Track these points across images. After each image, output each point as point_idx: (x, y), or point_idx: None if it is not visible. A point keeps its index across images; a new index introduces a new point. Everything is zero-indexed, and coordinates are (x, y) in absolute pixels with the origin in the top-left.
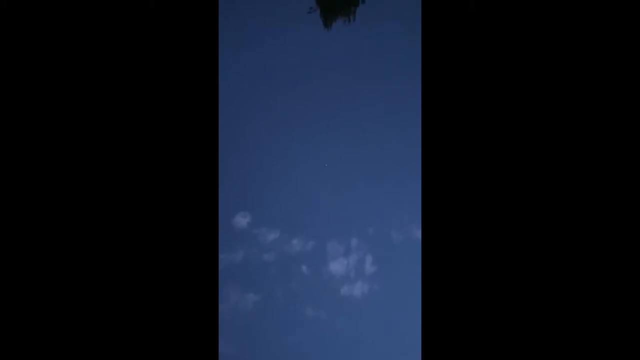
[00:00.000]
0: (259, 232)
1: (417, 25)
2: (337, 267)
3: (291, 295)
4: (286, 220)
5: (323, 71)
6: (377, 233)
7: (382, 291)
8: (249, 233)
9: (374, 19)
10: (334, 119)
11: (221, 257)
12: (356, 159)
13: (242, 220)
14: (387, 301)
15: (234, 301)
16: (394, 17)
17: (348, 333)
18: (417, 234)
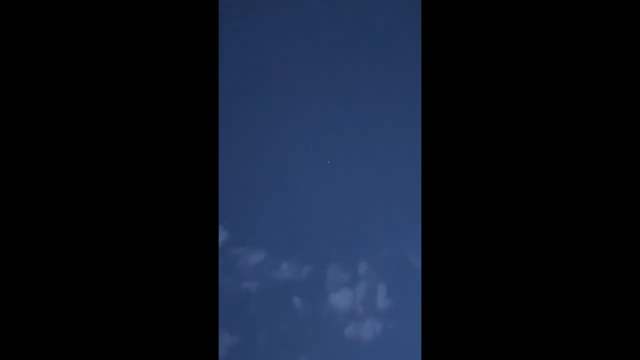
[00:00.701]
0: (238, 254)
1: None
2: (340, 300)
3: (279, 338)
4: (273, 238)
5: (324, 67)
6: (392, 256)
7: (399, 332)
8: (224, 254)
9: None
10: (338, 111)
11: None
12: (366, 161)
13: None
14: (405, 344)
15: None
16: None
17: None
18: None
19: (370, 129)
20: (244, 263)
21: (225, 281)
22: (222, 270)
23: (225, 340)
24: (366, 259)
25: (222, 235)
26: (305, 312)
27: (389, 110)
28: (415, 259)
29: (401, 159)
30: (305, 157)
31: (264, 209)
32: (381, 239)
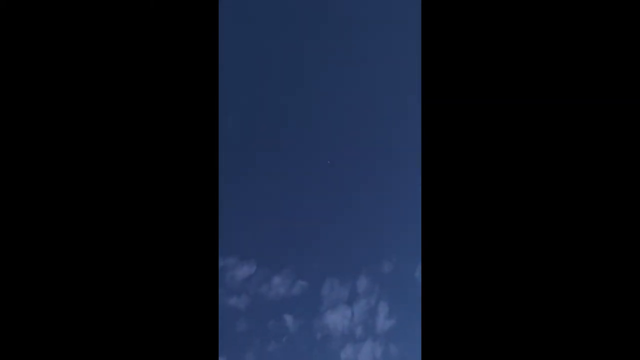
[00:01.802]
0: (225, 266)
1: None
2: (336, 319)
3: None
4: (264, 250)
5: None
6: (395, 271)
7: (402, 355)
8: None
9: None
10: (339, 116)
11: None
12: (368, 166)
13: None
14: None
15: None
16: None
17: None
18: None
19: (373, 136)
20: (231, 277)
21: None
22: None
23: None
24: (366, 274)
25: None
26: (297, 332)
27: (391, 118)
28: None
29: (407, 168)
30: (302, 159)
31: (254, 216)
32: (384, 252)
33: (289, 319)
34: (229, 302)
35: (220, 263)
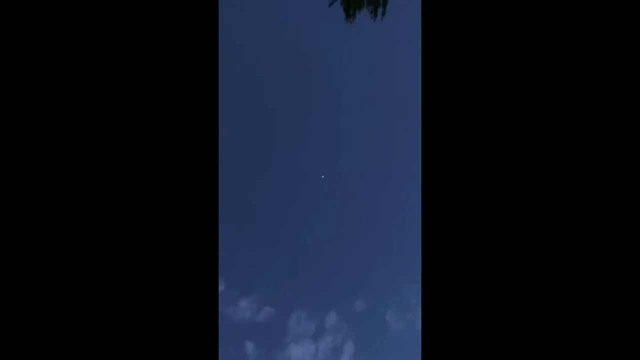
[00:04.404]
0: None
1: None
2: (299, 353)
3: None
4: (236, 270)
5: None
6: (367, 311)
7: None
8: None
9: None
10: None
11: None
12: (359, 201)
13: None
14: None
15: None
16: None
17: None
18: None
19: (369, 162)
20: None
21: None
22: None
23: None
24: (337, 311)
25: None
26: None
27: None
28: (392, 319)
29: (396, 205)
30: (292, 182)
31: (230, 233)
32: (358, 291)
33: (250, 345)
34: None
35: None
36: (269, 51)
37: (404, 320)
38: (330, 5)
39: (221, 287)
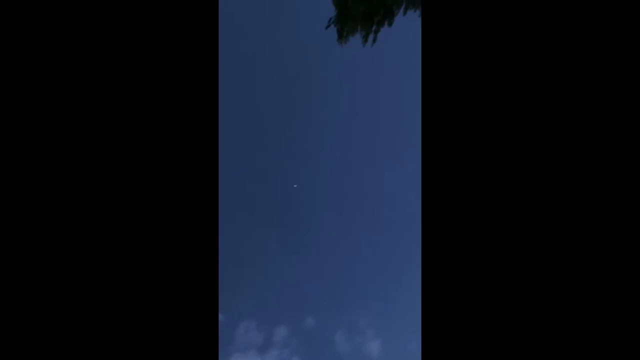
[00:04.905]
0: None
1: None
2: None
3: None
4: None
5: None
6: (317, 328)
7: None
8: None
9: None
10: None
11: None
12: (330, 217)
13: None
14: None
15: None
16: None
17: None
18: (372, 346)
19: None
20: None
21: None
22: None
23: None
24: (287, 325)
25: None
26: None
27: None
28: (341, 340)
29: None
30: (261, 190)
31: None
32: (311, 306)
33: None
34: None
35: None
36: (269, 51)
37: (352, 343)
38: (327, 28)
39: None
